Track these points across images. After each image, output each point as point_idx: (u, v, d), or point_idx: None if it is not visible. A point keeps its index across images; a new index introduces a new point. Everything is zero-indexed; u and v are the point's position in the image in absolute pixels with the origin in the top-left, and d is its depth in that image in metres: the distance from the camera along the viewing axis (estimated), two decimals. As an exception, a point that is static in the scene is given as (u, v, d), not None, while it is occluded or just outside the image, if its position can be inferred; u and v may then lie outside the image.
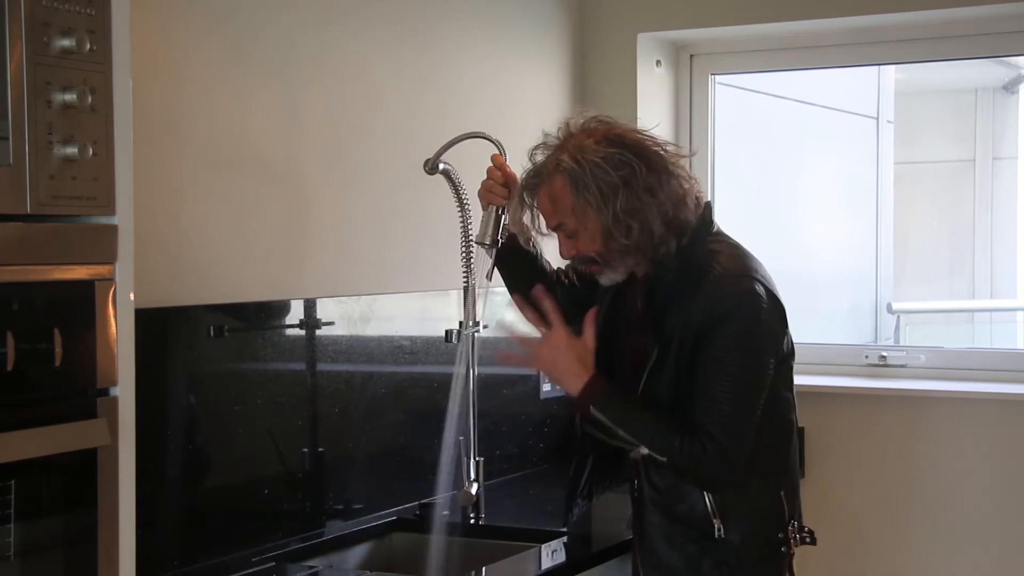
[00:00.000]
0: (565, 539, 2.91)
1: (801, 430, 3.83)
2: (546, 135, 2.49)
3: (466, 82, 3.55)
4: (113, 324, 1.96)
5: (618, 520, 2.95)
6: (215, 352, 2.79)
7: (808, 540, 2.51)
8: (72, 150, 1.87)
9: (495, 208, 2.67)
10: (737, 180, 4.46)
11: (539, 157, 2.47)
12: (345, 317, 3.15)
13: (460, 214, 3.01)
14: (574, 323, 2.48)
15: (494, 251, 2.69)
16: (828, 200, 5.83)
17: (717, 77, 4.17)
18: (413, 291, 3.36)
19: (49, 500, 1.90)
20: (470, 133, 2.88)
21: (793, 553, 2.49)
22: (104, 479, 1.95)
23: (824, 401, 3.81)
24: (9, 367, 1.80)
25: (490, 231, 2.67)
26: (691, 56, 4.14)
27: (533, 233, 2.55)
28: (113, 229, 1.97)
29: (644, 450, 2.40)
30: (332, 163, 3.11)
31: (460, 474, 3.13)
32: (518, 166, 2.65)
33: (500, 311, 2.77)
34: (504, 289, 2.77)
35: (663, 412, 2.40)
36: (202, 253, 2.77)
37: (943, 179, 7.25)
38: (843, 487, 3.84)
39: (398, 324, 3.31)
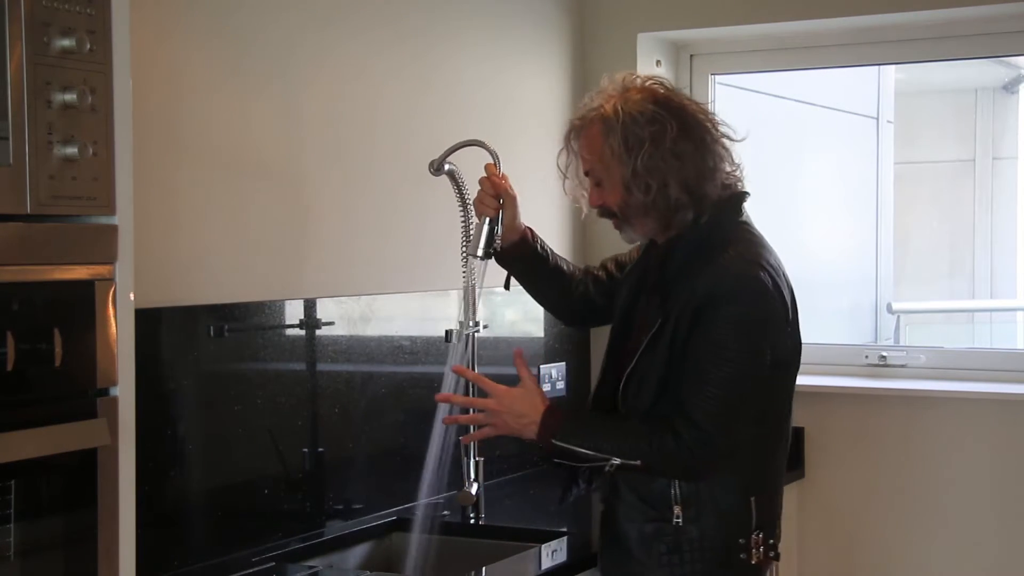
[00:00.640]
0: (565, 539, 2.91)
1: (801, 430, 3.88)
2: (610, 82, 2.48)
3: (466, 82, 3.55)
4: (113, 324, 1.96)
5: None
6: (215, 352, 2.79)
7: (772, 555, 2.42)
8: (72, 150, 1.87)
9: (486, 219, 2.67)
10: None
11: (591, 102, 2.47)
12: (345, 317, 3.15)
13: (462, 214, 3.01)
14: (609, 320, 2.51)
15: (486, 263, 2.69)
16: (828, 200, 5.83)
17: (717, 77, 4.17)
18: (413, 291, 3.36)
19: (49, 500, 1.90)
20: (467, 141, 2.86)
21: (757, 564, 2.40)
22: (104, 479, 1.95)
23: (824, 401, 3.81)
24: (9, 367, 1.80)
25: (481, 243, 2.67)
26: (691, 56, 4.14)
27: (574, 186, 2.53)
28: (113, 229, 1.97)
29: (616, 461, 2.35)
30: (332, 163, 3.11)
31: (460, 474, 3.13)
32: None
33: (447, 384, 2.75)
34: (501, 290, 2.77)
35: (625, 418, 2.39)
36: (202, 253, 2.77)
37: (943, 179, 7.26)
38: (843, 487, 3.84)
39: (398, 324, 3.31)
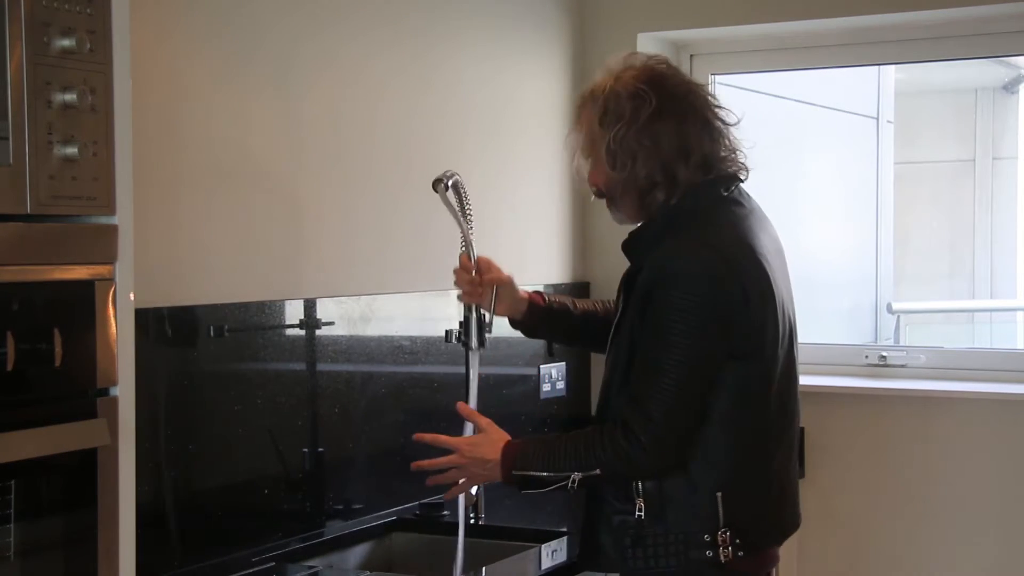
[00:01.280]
0: (565, 539, 2.91)
1: (801, 430, 3.85)
2: (624, 59, 2.46)
3: (466, 82, 3.55)
4: (113, 324, 1.96)
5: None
6: (215, 352, 2.79)
7: (741, 553, 2.32)
8: (72, 150, 1.87)
9: (474, 308, 2.67)
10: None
11: (595, 79, 2.46)
12: (345, 317, 3.15)
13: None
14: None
15: (481, 350, 2.69)
16: (828, 200, 5.84)
17: (717, 77, 4.16)
18: (413, 291, 3.36)
19: (49, 500, 1.90)
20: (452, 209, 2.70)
21: (727, 563, 2.31)
22: (104, 479, 1.95)
23: (824, 401, 3.81)
24: (9, 367, 1.80)
25: (473, 333, 2.68)
26: (691, 56, 4.14)
27: (577, 165, 2.49)
28: (113, 229, 1.97)
29: (577, 475, 2.32)
30: (332, 163, 3.11)
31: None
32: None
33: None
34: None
35: (575, 432, 2.36)
36: (202, 253, 2.77)
37: (943, 179, 7.26)
38: (843, 487, 3.84)
39: (398, 324, 3.31)
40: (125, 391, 1.99)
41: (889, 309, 6.12)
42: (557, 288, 3.93)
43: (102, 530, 1.95)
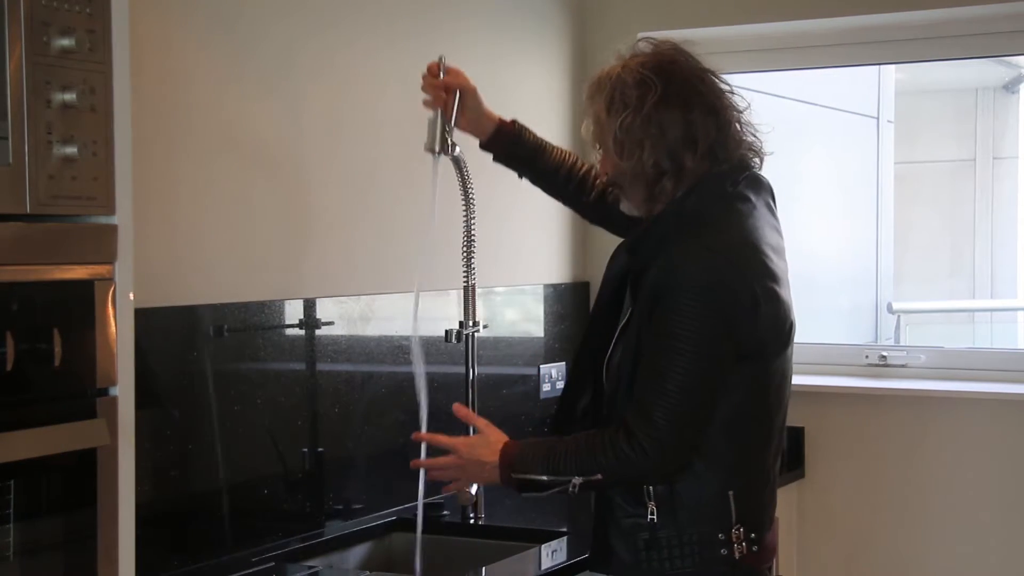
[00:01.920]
0: (565, 539, 2.91)
1: (801, 430, 3.88)
2: (634, 46, 2.42)
3: (466, 82, 3.54)
4: (113, 324, 1.96)
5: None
6: (215, 352, 2.79)
7: (754, 548, 2.32)
8: (72, 150, 1.87)
9: (438, 111, 2.61)
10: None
11: (605, 66, 2.42)
12: (345, 317, 3.15)
13: (464, 211, 3.01)
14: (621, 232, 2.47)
15: (441, 157, 2.61)
16: (828, 200, 5.84)
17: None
18: (413, 291, 3.35)
19: (49, 500, 1.90)
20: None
21: (741, 559, 2.30)
22: (104, 479, 1.95)
23: (824, 401, 3.81)
24: (9, 367, 1.80)
25: (437, 138, 2.60)
26: (691, 56, 4.14)
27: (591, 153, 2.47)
28: (113, 229, 1.97)
29: (578, 480, 2.29)
30: (332, 163, 3.11)
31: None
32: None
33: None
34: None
35: (576, 435, 2.33)
36: (202, 253, 2.77)
37: (943, 179, 7.26)
38: (843, 487, 3.84)
39: (398, 324, 3.31)
40: (125, 391, 1.99)
41: (889, 309, 6.12)
42: (557, 288, 3.93)
43: (102, 530, 1.95)
